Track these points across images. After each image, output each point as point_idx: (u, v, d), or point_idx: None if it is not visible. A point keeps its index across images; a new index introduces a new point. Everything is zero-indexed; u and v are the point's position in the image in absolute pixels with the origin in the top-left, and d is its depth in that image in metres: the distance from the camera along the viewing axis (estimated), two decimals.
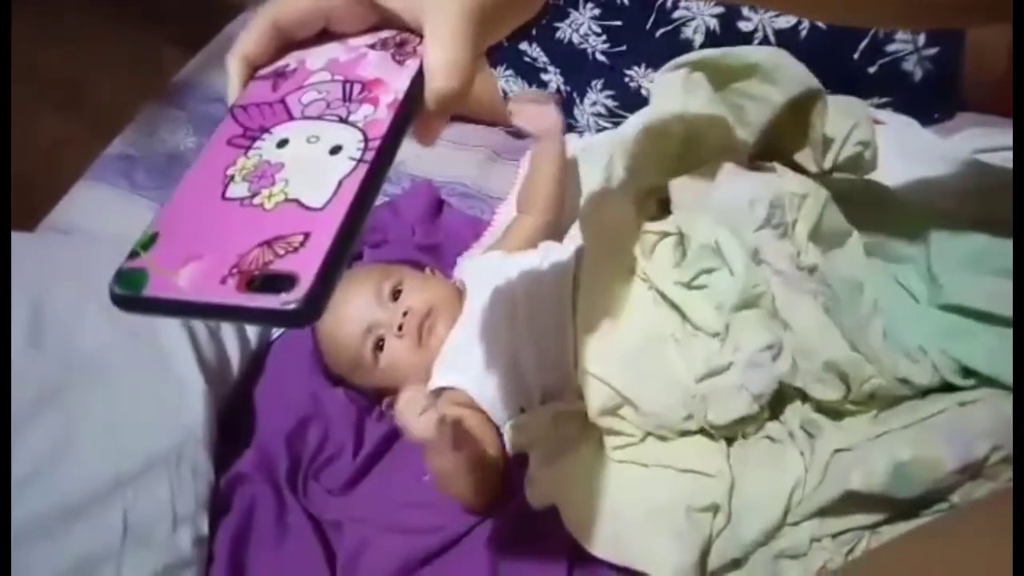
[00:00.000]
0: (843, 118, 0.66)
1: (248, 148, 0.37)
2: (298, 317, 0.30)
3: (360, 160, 0.35)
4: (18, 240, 0.84)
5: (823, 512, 0.59)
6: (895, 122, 0.82)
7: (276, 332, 0.92)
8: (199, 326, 0.82)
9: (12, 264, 0.78)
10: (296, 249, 0.31)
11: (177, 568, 0.67)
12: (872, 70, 0.85)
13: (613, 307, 0.68)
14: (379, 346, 0.80)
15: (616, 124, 1.01)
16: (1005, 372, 0.55)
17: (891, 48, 0.84)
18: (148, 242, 0.34)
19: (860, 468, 0.56)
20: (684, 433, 0.65)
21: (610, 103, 1.00)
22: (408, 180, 1.07)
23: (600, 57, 1.00)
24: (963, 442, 0.54)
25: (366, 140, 0.35)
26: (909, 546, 0.44)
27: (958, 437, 0.54)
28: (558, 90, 1.05)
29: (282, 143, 0.37)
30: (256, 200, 0.34)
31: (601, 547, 0.64)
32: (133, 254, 0.34)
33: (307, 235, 0.32)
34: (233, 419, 0.82)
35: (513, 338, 0.75)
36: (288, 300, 0.30)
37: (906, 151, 0.74)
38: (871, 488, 0.56)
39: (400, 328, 0.78)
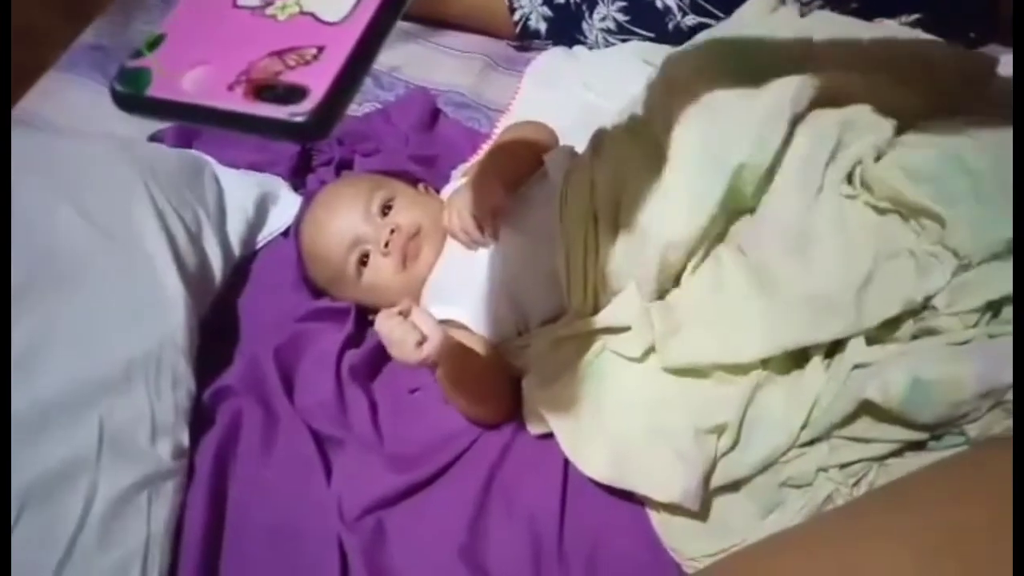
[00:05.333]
0: None
1: None
2: (305, 130, 0.29)
3: None
4: None
5: (836, 428, 0.57)
6: None
7: (261, 240, 0.88)
8: (179, 232, 0.77)
9: None
10: (308, 62, 0.31)
11: (157, 479, 0.65)
12: None
13: None
14: (363, 261, 0.77)
15: (625, 41, 0.96)
16: None
17: None
18: (154, 43, 0.33)
19: (879, 380, 0.54)
20: None
21: (621, 17, 0.95)
22: (402, 86, 1.02)
23: None
24: (990, 365, 0.52)
25: None
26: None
27: (985, 360, 0.52)
28: (566, 2, 0.98)
29: None
30: (269, 10, 0.33)
31: (599, 470, 0.63)
32: (137, 53, 0.33)
33: (321, 48, 0.31)
34: (217, 331, 0.79)
35: (505, 261, 0.72)
36: (296, 112, 0.29)
37: None
38: (887, 402, 0.54)
39: (386, 245, 0.75)
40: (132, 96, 0.32)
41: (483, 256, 0.72)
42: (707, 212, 0.62)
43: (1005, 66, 0.76)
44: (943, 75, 0.64)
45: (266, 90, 0.30)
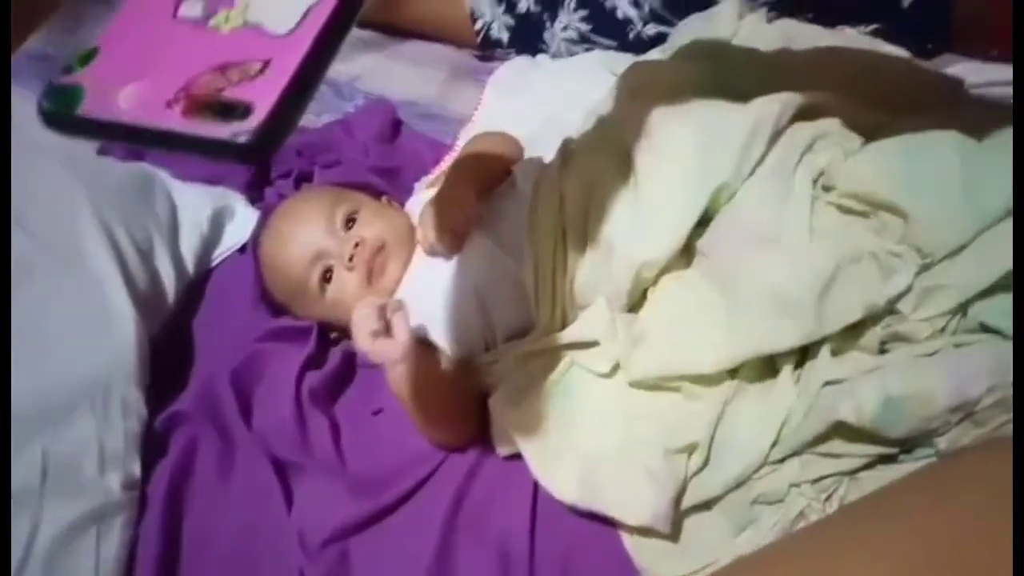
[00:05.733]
0: None
1: None
2: (249, 150, 0.28)
3: None
4: None
5: (807, 446, 0.57)
6: None
7: (216, 258, 0.84)
8: (128, 249, 0.74)
9: None
10: (253, 77, 0.29)
11: (106, 512, 0.62)
12: None
13: None
14: (326, 277, 0.74)
15: (587, 50, 0.95)
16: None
17: None
18: (87, 57, 0.31)
19: (850, 400, 0.54)
20: None
21: (583, 27, 0.95)
22: (362, 97, 1.00)
23: None
24: (959, 379, 0.52)
25: None
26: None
27: (954, 374, 0.52)
28: (528, 11, 0.98)
29: None
30: (212, 22, 0.31)
31: (568, 492, 0.62)
32: (68, 69, 0.31)
33: (267, 63, 0.29)
34: (170, 353, 0.76)
35: (474, 272, 0.70)
36: (239, 131, 0.27)
37: None
38: (860, 421, 0.53)
39: (351, 260, 0.73)
40: (61, 115, 0.30)
41: (450, 267, 0.71)
42: (686, 230, 0.61)
43: (959, 73, 0.78)
44: (911, 92, 0.65)
45: (207, 107, 0.28)
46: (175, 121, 0.28)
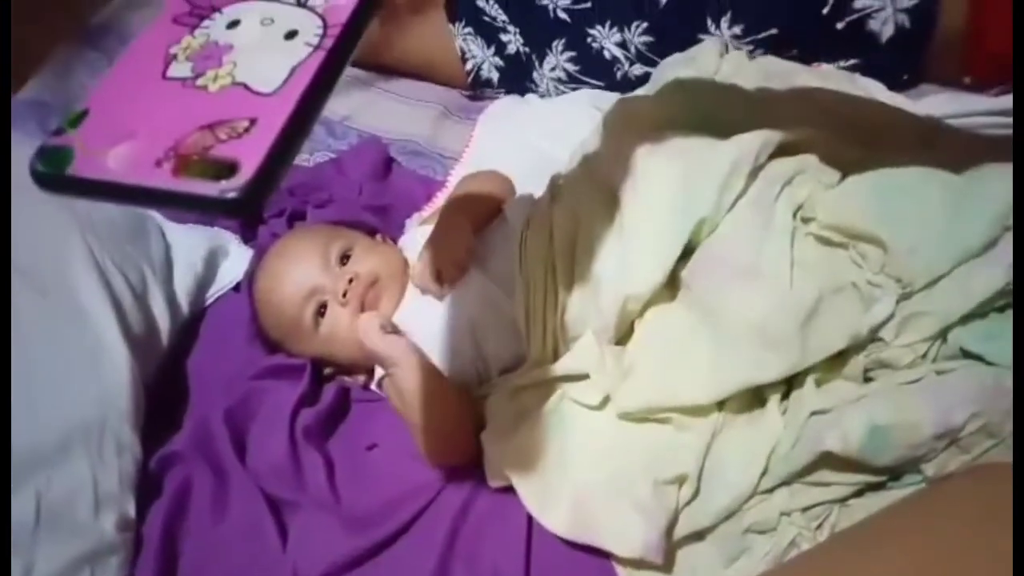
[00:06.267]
0: None
1: (195, 27, 0.34)
2: (237, 207, 0.28)
3: (318, 47, 0.32)
4: None
5: (796, 476, 0.57)
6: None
7: (210, 296, 0.85)
8: (121, 289, 0.74)
9: None
10: (240, 135, 0.30)
11: (100, 554, 0.61)
12: (840, 26, 0.83)
13: None
14: (320, 312, 0.75)
15: (575, 89, 0.97)
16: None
17: (859, 4, 0.82)
18: (76, 119, 0.32)
19: (836, 430, 0.55)
20: None
21: (571, 67, 0.97)
22: (355, 136, 1.01)
23: (561, 14, 0.95)
24: (942, 407, 0.53)
25: (325, 26, 0.33)
26: None
27: (937, 402, 0.53)
28: (517, 52, 1.00)
29: (233, 24, 0.34)
30: (200, 81, 0.32)
31: (560, 524, 0.62)
32: (59, 131, 0.31)
33: (253, 121, 0.30)
34: (164, 394, 0.76)
35: (467, 305, 0.71)
36: (227, 188, 0.28)
37: None
38: (847, 451, 0.54)
39: (344, 295, 0.74)
40: (53, 176, 0.30)
41: (443, 303, 0.72)
42: (670, 263, 0.63)
43: (935, 104, 0.79)
44: (888, 129, 0.66)
45: (195, 166, 0.29)
46: (165, 180, 0.29)
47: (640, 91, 0.84)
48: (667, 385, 0.62)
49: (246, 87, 0.31)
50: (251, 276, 0.82)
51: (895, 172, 0.60)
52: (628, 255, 0.64)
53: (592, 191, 0.69)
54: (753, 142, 0.63)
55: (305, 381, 0.75)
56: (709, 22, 0.85)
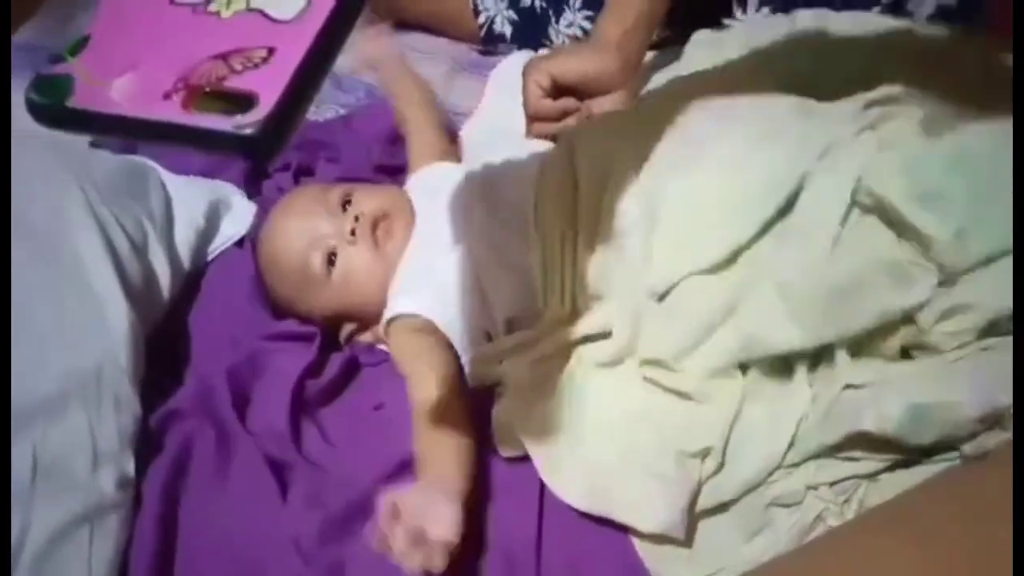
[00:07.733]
0: None
1: None
2: (254, 144, 0.26)
3: None
4: None
5: (825, 452, 0.56)
6: None
7: (213, 251, 0.82)
8: (120, 241, 0.72)
9: None
10: (257, 65, 0.27)
11: (99, 512, 0.59)
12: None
13: None
14: (331, 260, 0.72)
15: None
16: None
17: None
18: (77, 46, 0.29)
19: (874, 409, 0.53)
20: None
21: (588, 24, 0.94)
22: (362, 89, 0.98)
23: None
24: (986, 389, 0.50)
25: None
26: None
27: (981, 383, 0.51)
28: (532, 6, 0.97)
29: None
30: (212, 6, 0.29)
31: (578, 497, 0.60)
32: (58, 58, 0.29)
33: (271, 50, 0.28)
34: (165, 349, 0.74)
35: (472, 253, 0.69)
36: (243, 123, 0.26)
37: None
38: (884, 431, 0.52)
39: (352, 233, 0.71)
40: (50, 107, 0.28)
41: (450, 242, 0.70)
42: (741, 243, 0.60)
43: None
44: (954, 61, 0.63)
45: (208, 98, 0.27)
46: (174, 113, 0.27)
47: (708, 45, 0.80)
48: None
49: (263, 13, 0.29)
50: (254, 240, 0.80)
51: (956, 151, 0.57)
52: (683, 227, 0.61)
53: (626, 142, 0.66)
54: (842, 114, 0.60)
55: (314, 350, 0.73)
56: None
